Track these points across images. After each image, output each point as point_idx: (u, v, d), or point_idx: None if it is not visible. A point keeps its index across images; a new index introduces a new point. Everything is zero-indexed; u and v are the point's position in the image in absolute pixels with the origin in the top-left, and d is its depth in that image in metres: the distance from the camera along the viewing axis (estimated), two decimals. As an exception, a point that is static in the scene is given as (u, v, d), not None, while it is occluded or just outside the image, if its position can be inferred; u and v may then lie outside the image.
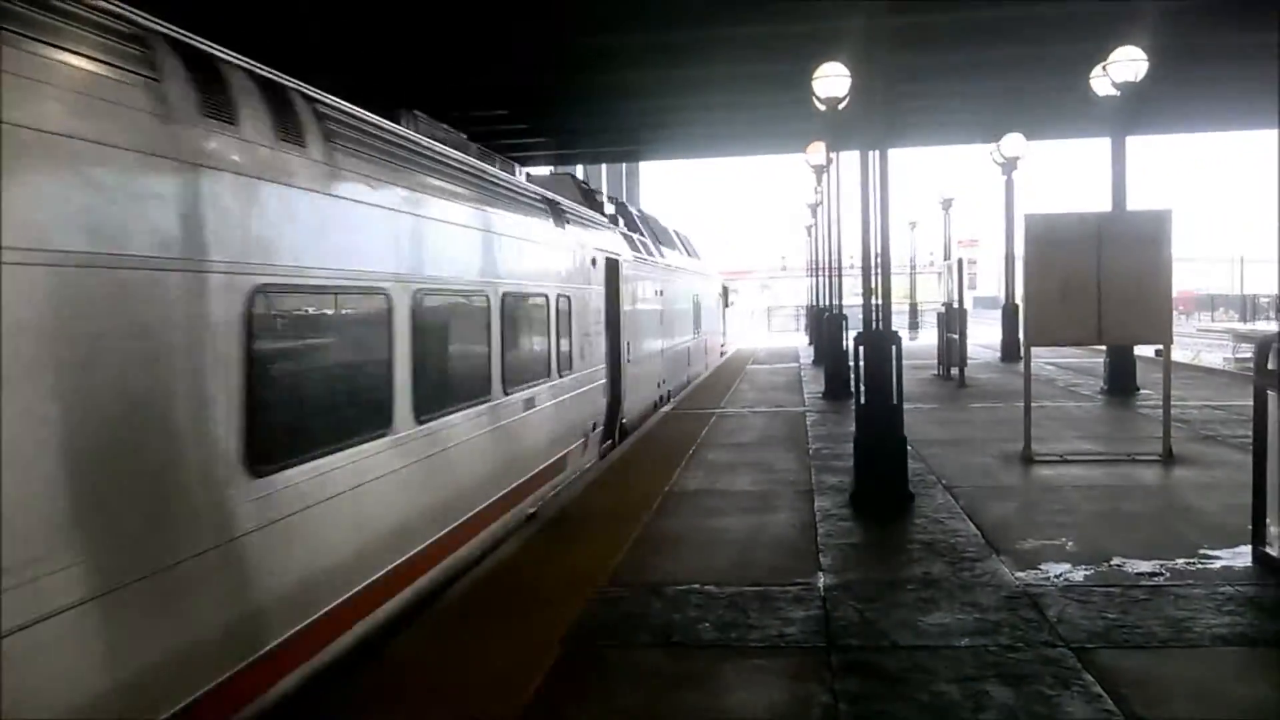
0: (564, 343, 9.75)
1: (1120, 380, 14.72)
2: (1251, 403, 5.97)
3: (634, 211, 18.66)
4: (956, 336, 17.28)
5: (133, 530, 3.50)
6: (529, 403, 8.47)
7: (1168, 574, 5.73)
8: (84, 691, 3.24)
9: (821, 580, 5.83)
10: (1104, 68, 14.67)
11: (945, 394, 15.82)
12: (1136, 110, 16.00)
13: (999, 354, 21.98)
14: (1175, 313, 10.79)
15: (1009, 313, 21.66)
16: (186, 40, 4.09)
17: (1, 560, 2.87)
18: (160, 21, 3.98)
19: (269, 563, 4.34)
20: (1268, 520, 5.77)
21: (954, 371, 17.32)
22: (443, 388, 6.59)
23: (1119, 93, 14.53)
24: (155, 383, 3.66)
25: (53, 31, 3.25)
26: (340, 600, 4.93)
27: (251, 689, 4.13)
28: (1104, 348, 15.02)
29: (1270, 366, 5.81)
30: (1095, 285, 9.22)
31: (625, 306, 13.08)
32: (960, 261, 19.94)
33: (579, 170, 30.22)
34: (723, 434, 11.97)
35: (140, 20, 3.81)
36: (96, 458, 3.34)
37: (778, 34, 15.44)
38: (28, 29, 3.13)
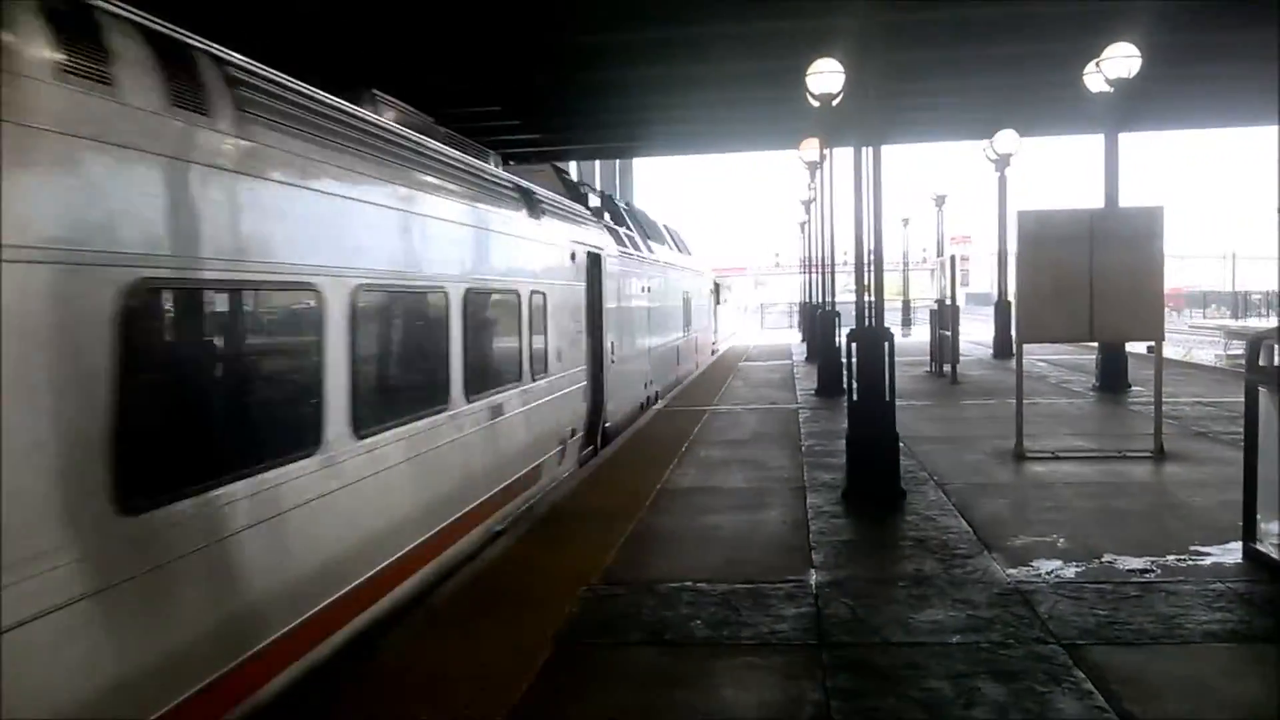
0: (538, 343, 9.08)
1: (1112, 377, 14.77)
2: (1243, 399, 5.99)
3: (621, 205, 18.18)
4: (949, 333, 17.31)
5: None
6: (496, 410, 7.76)
7: (1159, 570, 5.75)
8: None
9: (814, 577, 5.83)
10: (1097, 64, 14.70)
11: (938, 391, 15.85)
12: (1130, 107, 16.03)
13: (991, 351, 22.01)
14: (1165, 309, 10.83)
15: (1001, 309, 21.68)
16: None
17: None
18: None
19: (141, 620, 3.55)
20: (1259, 516, 5.79)
21: (946, 368, 17.37)
22: (389, 397, 5.96)
23: (1112, 89, 14.57)
24: None
25: None
26: (229, 667, 4.04)
27: None
28: (1096, 344, 15.08)
29: (1262, 363, 5.84)
30: (1087, 282, 9.23)
31: (609, 304, 12.48)
32: (953, 258, 20.05)
33: (572, 167, 30.19)
34: (715, 431, 11.96)
35: None
36: None
37: (771, 30, 15.43)
38: None
